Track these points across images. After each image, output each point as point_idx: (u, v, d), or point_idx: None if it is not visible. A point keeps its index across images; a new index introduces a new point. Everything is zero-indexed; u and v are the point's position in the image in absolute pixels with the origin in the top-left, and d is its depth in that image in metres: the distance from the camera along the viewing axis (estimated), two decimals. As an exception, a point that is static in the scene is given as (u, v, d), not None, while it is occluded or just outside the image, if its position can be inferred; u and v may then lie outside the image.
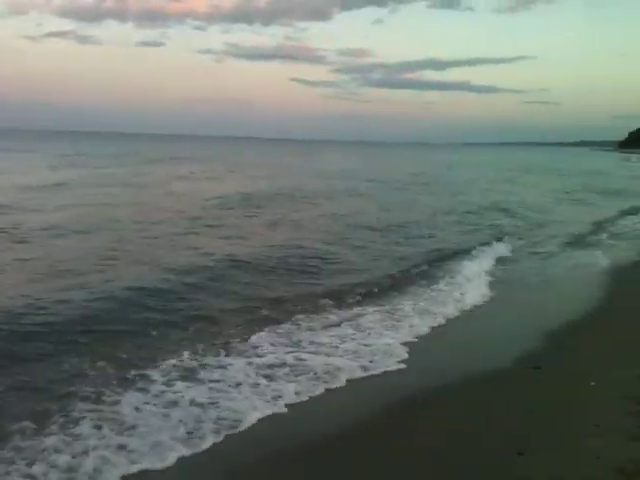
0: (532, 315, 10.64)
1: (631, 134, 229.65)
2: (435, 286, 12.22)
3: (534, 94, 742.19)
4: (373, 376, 7.63)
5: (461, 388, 7.33)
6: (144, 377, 7.16)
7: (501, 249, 16.81)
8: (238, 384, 7.12)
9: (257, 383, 7.18)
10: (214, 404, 6.55)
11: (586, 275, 13.54)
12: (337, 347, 8.49)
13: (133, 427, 5.99)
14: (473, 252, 16.11)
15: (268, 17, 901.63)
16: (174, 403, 6.53)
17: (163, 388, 6.92)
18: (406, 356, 8.26)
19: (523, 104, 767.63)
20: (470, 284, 12.53)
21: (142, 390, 6.84)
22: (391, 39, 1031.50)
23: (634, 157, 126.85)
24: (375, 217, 22.35)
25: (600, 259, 15.39)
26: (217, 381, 7.18)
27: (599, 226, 22.08)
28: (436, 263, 14.57)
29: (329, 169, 53.43)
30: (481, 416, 6.57)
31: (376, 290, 11.69)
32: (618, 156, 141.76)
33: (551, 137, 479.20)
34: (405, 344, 8.71)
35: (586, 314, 10.41)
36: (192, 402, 6.57)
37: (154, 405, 6.48)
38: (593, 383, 7.06)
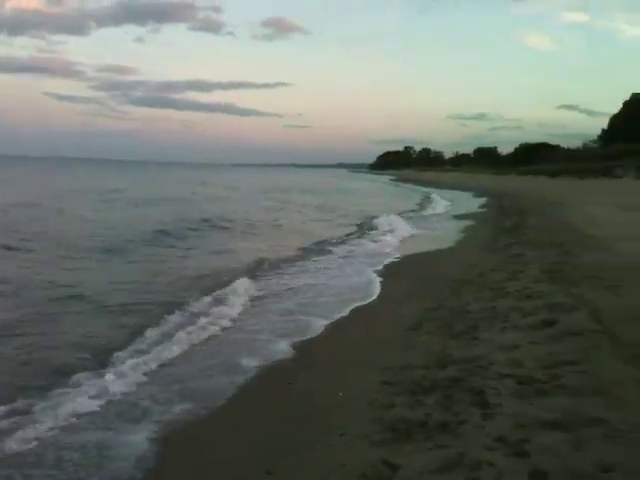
0: (282, 325, 10.67)
1: (379, 158, 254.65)
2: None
3: (292, 118, 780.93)
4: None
5: (215, 409, 7.11)
6: None
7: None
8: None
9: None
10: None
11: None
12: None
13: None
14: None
15: (16, 27, 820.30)
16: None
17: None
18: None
19: (283, 127, 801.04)
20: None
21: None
22: (154, 59, 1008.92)
23: (385, 178, 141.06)
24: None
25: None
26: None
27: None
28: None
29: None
30: (230, 438, 6.40)
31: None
32: (370, 177, 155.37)
33: (312, 159, 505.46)
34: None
35: (331, 325, 10.74)
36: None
37: None
38: (341, 394, 7.24)
